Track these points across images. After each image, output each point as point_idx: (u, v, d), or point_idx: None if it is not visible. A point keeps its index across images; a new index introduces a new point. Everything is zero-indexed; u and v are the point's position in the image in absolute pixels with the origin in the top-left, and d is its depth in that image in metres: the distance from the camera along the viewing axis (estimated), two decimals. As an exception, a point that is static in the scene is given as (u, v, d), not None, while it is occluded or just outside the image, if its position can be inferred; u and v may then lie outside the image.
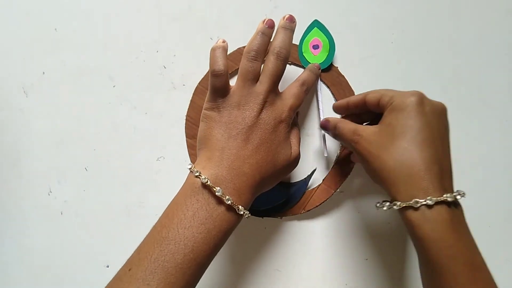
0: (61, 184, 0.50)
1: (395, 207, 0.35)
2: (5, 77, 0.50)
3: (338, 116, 0.46)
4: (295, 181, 0.48)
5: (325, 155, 0.48)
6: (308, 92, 0.43)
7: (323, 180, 0.48)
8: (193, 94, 0.49)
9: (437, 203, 0.33)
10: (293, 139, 0.42)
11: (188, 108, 0.49)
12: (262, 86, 0.39)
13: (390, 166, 0.35)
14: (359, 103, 0.42)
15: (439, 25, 0.49)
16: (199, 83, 0.49)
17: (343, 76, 0.48)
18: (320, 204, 0.47)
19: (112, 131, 0.50)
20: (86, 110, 0.50)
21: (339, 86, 0.48)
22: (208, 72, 0.48)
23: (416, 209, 0.34)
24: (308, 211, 0.47)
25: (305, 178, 0.47)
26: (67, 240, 0.50)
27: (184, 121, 0.49)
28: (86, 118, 0.50)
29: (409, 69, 0.49)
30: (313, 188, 0.48)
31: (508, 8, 0.49)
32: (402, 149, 0.35)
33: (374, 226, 0.49)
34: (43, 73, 0.50)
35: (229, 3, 0.49)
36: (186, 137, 0.49)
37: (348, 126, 0.41)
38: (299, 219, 0.49)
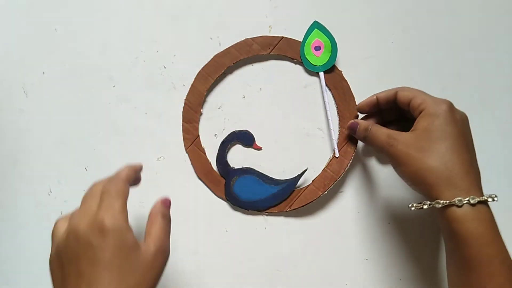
0: (61, 184, 0.50)
1: (437, 205, 0.36)
2: (5, 77, 0.50)
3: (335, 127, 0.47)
4: (285, 178, 0.48)
5: (336, 156, 0.48)
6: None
7: (312, 181, 0.48)
8: (195, 79, 0.49)
9: (479, 202, 0.35)
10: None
11: (188, 92, 0.49)
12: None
13: (431, 167, 0.37)
14: (390, 98, 0.43)
15: (439, 25, 0.49)
16: (202, 69, 0.49)
17: (346, 81, 0.48)
18: (306, 204, 0.48)
19: (112, 131, 0.50)
20: (86, 110, 0.50)
21: (341, 90, 0.48)
22: (212, 58, 0.48)
23: (459, 207, 0.35)
24: (294, 209, 0.48)
25: (295, 177, 0.48)
26: (67, 240, 0.50)
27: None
28: (86, 118, 0.50)
29: (409, 69, 0.49)
30: (302, 188, 0.48)
31: (508, 8, 0.49)
32: (442, 153, 0.37)
33: (374, 226, 0.49)
34: (43, 73, 0.50)
35: (229, 3, 0.49)
36: (183, 121, 0.49)
37: (382, 130, 0.42)
38: (285, 216, 0.49)
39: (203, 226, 0.50)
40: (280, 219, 0.49)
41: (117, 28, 0.50)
